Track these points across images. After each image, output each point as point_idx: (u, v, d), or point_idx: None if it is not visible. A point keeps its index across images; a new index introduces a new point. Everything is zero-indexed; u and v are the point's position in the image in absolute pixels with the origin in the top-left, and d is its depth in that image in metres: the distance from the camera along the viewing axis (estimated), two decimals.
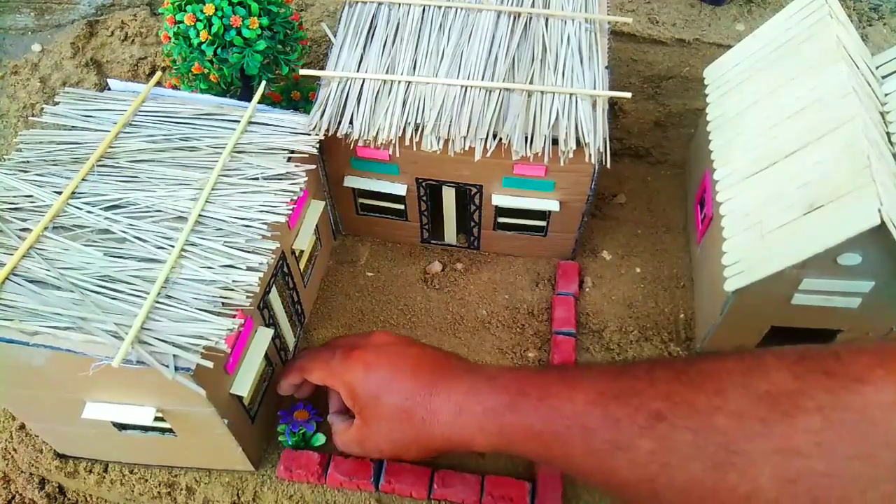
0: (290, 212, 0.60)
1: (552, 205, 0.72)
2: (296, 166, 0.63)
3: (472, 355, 0.72)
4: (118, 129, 0.64)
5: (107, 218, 0.57)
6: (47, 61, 1.05)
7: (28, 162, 0.62)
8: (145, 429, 0.59)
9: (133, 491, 0.64)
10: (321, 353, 0.58)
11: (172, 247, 0.55)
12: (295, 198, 0.61)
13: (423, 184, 0.73)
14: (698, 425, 0.37)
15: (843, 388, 0.35)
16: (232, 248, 0.55)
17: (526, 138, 0.65)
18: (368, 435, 0.54)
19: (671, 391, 0.39)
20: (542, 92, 0.67)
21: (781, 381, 0.37)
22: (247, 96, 0.77)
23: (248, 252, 0.55)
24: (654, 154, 0.93)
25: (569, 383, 0.45)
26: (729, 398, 0.38)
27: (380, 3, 0.75)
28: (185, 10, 0.70)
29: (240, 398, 0.58)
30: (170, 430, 0.58)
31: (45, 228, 0.56)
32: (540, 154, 0.65)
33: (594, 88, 0.68)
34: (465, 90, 0.67)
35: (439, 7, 0.74)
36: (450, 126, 0.66)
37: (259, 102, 0.68)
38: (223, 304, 0.52)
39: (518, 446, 0.47)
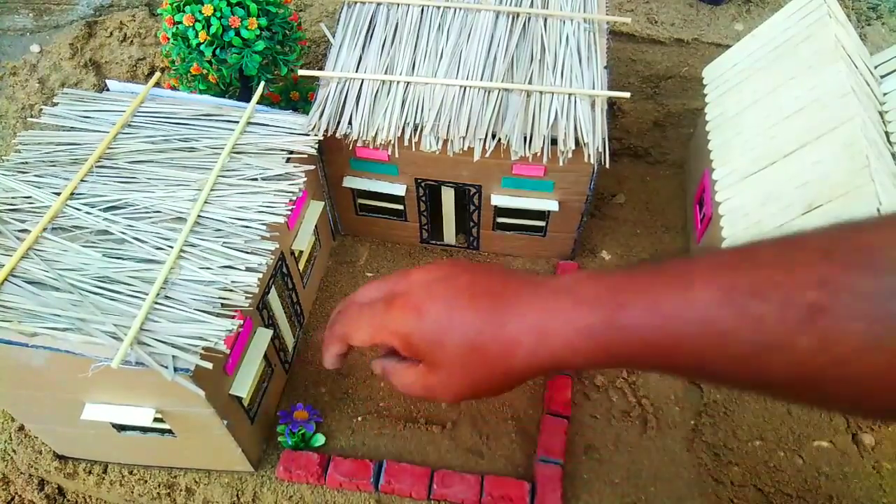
0: (289, 212, 0.60)
1: (551, 205, 0.72)
2: (295, 167, 0.63)
3: None
4: (117, 129, 0.64)
5: (105, 219, 0.57)
6: (46, 62, 1.05)
7: (27, 163, 0.62)
8: (145, 430, 0.59)
9: (133, 492, 0.64)
10: (358, 311, 0.49)
11: (171, 248, 0.55)
12: (294, 198, 0.61)
13: (423, 184, 0.73)
14: (872, 313, 0.30)
15: None
16: (231, 248, 0.55)
17: (525, 138, 0.65)
18: (438, 382, 0.45)
19: (828, 274, 0.32)
20: (540, 92, 0.67)
21: None
22: (245, 97, 0.77)
23: (247, 253, 0.55)
24: (654, 154, 0.93)
25: (679, 282, 0.36)
26: None
27: (378, 4, 0.75)
28: (183, 11, 0.70)
29: (239, 399, 0.58)
30: (169, 431, 0.58)
31: (44, 229, 0.56)
32: (539, 154, 0.65)
33: (593, 88, 0.68)
34: (464, 90, 0.67)
35: (438, 7, 0.74)
36: (449, 126, 0.66)
37: (258, 103, 0.68)
38: (222, 304, 0.52)
39: (626, 361, 0.40)
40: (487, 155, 0.65)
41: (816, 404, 0.38)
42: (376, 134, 0.66)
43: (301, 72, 0.71)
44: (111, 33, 1.08)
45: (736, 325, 0.34)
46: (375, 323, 0.47)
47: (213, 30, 0.70)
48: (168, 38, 0.73)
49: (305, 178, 0.63)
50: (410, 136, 0.66)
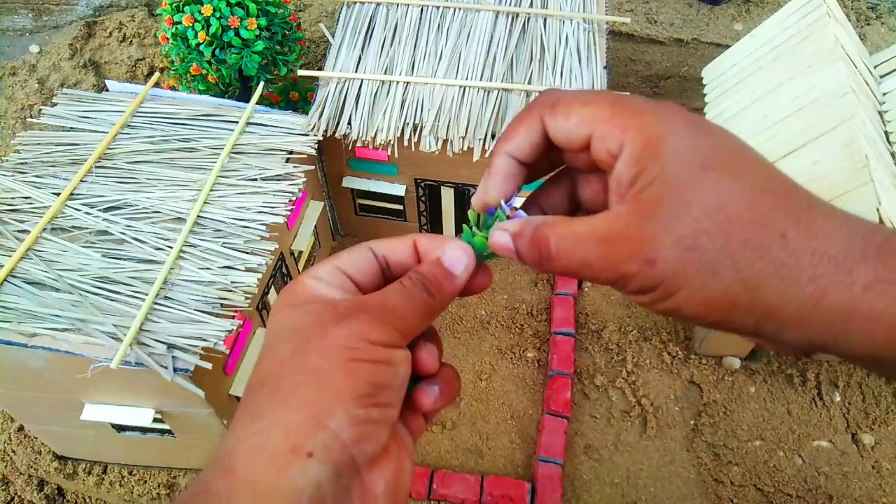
0: (288, 212, 0.60)
1: None
2: (294, 167, 0.63)
3: (471, 356, 0.72)
4: (116, 130, 0.64)
5: (105, 219, 0.57)
6: (45, 62, 1.05)
7: (26, 163, 0.61)
8: (144, 430, 0.59)
9: (132, 492, 0.64)
10: (592, 95, 0.28)
11: (171, 248, 0.55)
12: (293, 198, 0.61)
13: (422, 184, 0.73)
14: None
15: None
16: (230, 249, 0.55)
17: None
18: (653, 245, 0.24)
19: None
20: (540, 92, 0.67)
21: None
22: (245, 97, 0.77)
23: (247, 253, 0.55)
24: None
25: None
26: None
27: (378, 4, 0.75)
28: (183, 11, 0.70)
29: (239, 399, 0.58)
30: (169, 432, 0.58)
31: (44, 230, 0.56)
32: None
33: (593, 88, 0.68)
34: (464, 90, 0.67)
35: (437, 7, 0.74)
36: (448, 126, 0.66)
37: (257, 103, 0.68)
38: (222, 305, 0.52)
39: None
40: (487, 155, 0.65)
41: None
42: (376, 134, 0.66)
43: (300, 72, 0.71)
44: (110, 33, 1.08)
45: None
46: (621, 106, 0.27)
47: (212, 30, 0.70)
48: (167, 39, 0.73)
49: (305, 179, 0.63)
50: (410, 136, 0.66)
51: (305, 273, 0.30)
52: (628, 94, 0.29)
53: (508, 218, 0.29)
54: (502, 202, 0.30)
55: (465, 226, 0.31)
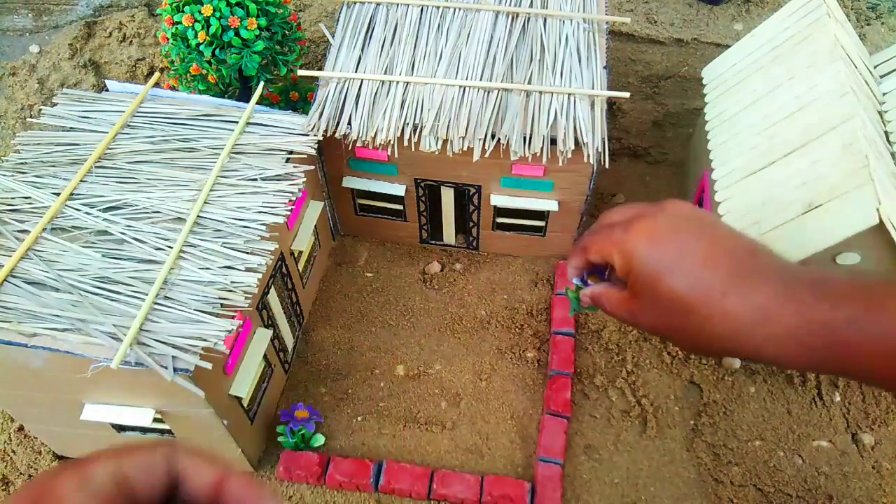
0: (288, 213, 0.60)
1: (551, 205, 0.72)
2: (294, 167, 0.63)
3: (471, 356, 0.72)
4: (116, 130, 0.64)
5: (105, 219, 0.57)
6: (45, 62, 1.05)
7: (26, 163, 0.62)
8: (144, 430, 0.59)
9: None
10: (604, 227, 0.47)
11: (171, 248, 0.55)
12: (293, 198, 0.61)
13: (422, 184, 0.73)
14: None
15: None
16: (230, 249, 0.55)
17: (524, 138, 0.65)
18: (638, 311, 0.44)
19: None
20: (540, 92, 0.67)
21: None
22: (245, 97, 0.77)
23: (247, 253, 0.55)
24: (653, 154, 0.93)
25: None
26: None
27: (378, 4, 0.75)
28: (183, 11, 0.70)
29: (239, 399, 0.58)
30: (169, 432, 0.58)
31: (44, 230, 0.56)
32: (538, 154, 0.65)
33: (592, 88, 0.68)
34: (464, 90, 0.67)
35: (437, 7, 0.74)
36: (448, 126, 0.66)
37: (257, 103, 0.68)
38: (222, 305, 0.52)
39: (858, 367, 0.38)
40: (487, 155, 0.65)
41: None
42: (376, 134, 0.66)
43: (300, 72, 0.71)
44: (110, 33, 1.08)
45: None
46: (613, 238, 0.45)
47: (212, 30, 0.70)
48: (167, 39, 0.73)
49: (305, 179, 0.63)
50: (410, 136, 0.66)
51: (67, 472, 0.23)
52: (616, 218, 0.47)
53: (587, 284, 0.50)
54: (575, 280, 0.50)
55: (567, 289, 0.53)
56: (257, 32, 0.72)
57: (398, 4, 0.75)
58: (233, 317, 0.52)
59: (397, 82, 0.68)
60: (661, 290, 0.42)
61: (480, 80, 0.68)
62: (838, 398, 0.69)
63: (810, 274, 0.40)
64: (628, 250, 0.44)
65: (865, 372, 0.38)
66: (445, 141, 0.66)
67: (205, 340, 0.49)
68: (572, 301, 0.52)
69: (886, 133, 0.64)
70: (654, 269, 0.42)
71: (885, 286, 0.37)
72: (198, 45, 0.71)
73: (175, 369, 0.48)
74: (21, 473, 0.67)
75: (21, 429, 0.68)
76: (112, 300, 0.51)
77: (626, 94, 0.69)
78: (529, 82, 0.68)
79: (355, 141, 0.67)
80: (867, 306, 0.36)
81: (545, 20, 0.73)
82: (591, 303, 0.50)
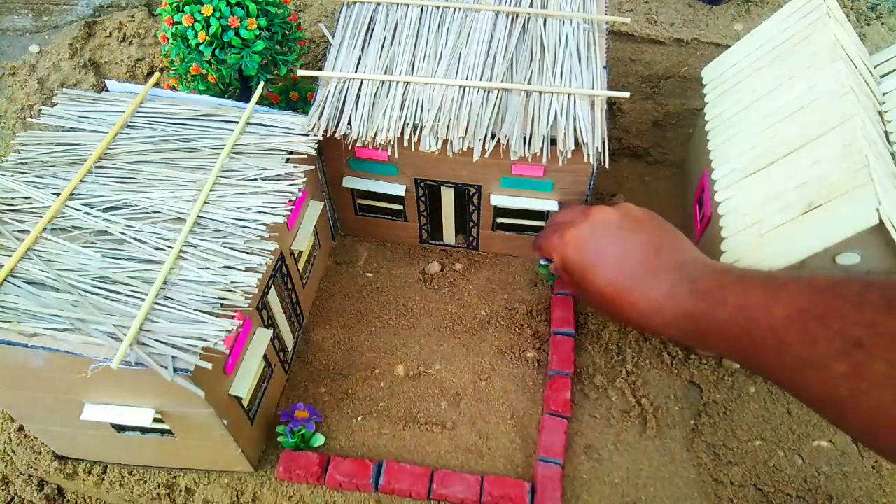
0: (288, 213, 0.60)
1: (551, 205, 0.72)
2: (294, 167, 0.63)
3: (471, 356, 0.72)
4: (116, 130, 0.64)
5: (105, 219, 0.57)
6: (45, 62, 1.05)
7: (26, 163, 0.62)
8: (144, 430, 0.59)
9: (132, 492, 0.64)
10: (549, 229, 0.62)
11: (171, 248, 0.55)
12: (293, 198, 0.61)
13: (422, 184, 0.73)
14: (894, 357, 0.37)
15: None
16: (230, 249, 0.55)
17: (524, 138, 0.65)
18: (579, 294, 0.62)
19: (877, 320, 0.38)
20: (540, 92, 0.67)
21: None
22: (245, 97, 0.77)
23: (247, 253, 0.55)
24: (653, 154, 0.93)
25: (770, 294, 0.44)
26: None
27: (378, 4, 0.75)
28: (183, 11, 0.70)
29: (239, 399, 0.58)
30: (169, 432, 0.58)
31: (44, 230, 0.56)
32: (538, 154, 0.65)
33: (592, 88, 0.68)
34: (464, 90, 0.67)
35: (437, 7, 0.74)
36: (448, 126, 0.66)
37: (257, 103, 0.68)
38: (222, 305, 0.52)
39: (710, 345, 0.49)
40: (487, 155, 0.65)
41: (839, 425, 0.44)
42: (376, 134, 0.66)
43: (300, 72, 0.71)
44: (110, 33, 1.08)
45: (795, 340, 0.41)
46: (552, 243, 0.60)
47: (212, 30, 0.70)
48: (167, 39, 0.73)
49: (305, 179, 0.63)
50: (410, 136, 0.66)
51: None
52: (560, 219, 0.62)
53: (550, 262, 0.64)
54: (542, 260, 0.66)
55: (539, 265, 0.69)
56: (257, 32, 0.72)
57: (398, 4, 0.75)
58: (233, 317, 0.52)
59: (397, 82, 0.68)
60: (587, 285, 0.56)
61: (480, 80, 0.68)
62: None
63: (693, 270, 0.51)
64: (560, 255, 0.59)
65: (718, 351, 0.53)
66: (445, 141, 0.66)
67: (205, 340, 0.49)
68: (545, 275, 0.75)
69: (886, 133, 0.64)
70: (579, 270, 0.57)
71: (734, 283, 0.48)
72: (198, 45, 0.71)
73: (175, 369, 0.48)
74: (21, 473, 0.67)
75: (21, 429, 0.68)
76: (112, 300, 0.51)
77: (626, 94, 0.69)
78: (529, 82, 0.68)
79: (355, 141, 0.67)
80: (715, 301, 0.47)
81: (545, 20, 0.73)
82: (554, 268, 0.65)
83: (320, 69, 0.71)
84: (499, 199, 0.72)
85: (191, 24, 0.70)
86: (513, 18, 0.73)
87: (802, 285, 0.44)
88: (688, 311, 0.49)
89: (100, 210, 0.58)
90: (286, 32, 0.76)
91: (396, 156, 0.68)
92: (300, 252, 0.70)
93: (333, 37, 0.74)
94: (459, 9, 0.74)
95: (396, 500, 0.62)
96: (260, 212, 0.58)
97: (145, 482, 0.65)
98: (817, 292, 0.42)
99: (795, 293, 0.43)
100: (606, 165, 0.65)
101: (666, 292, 0.51)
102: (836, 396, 0.40)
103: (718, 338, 0.47)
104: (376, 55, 0.71)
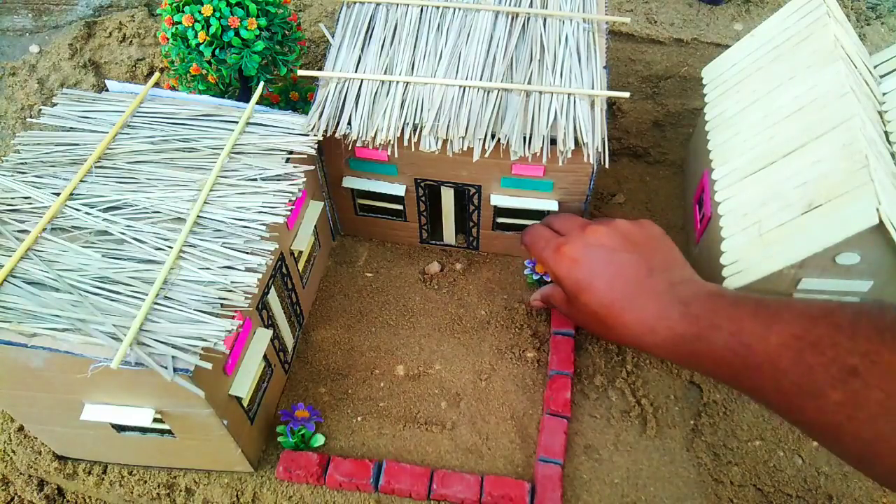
0: (288, 213, 0.60)
1: (551, 205, 0.72)
2: (294, 167, 0.63)
3: (471, 356, 0.72)
4: (116, 130, 0.64)
5: (105, 219, 0.57)
6: (45, 62, 1.05)
7: (26, 163, 0.62)
8: (144, 430, 0.59)
9: (132, 492, 0.64)
10: (545, 238, 0.63)
11: (171, 248, 0.55)
12: (293, 198, 0.61)
13: (422, 184, 0.73)
14: (892, 388, 0.37)
15: None
16: (230, 249, 0.55)
17: (524, 138, 0.65)
18: (572, 311, 0.60)
19: (871, 349, 0.39)
20: (540, 92, 0.67)
21: None
22: (245, 97, 0.77)
23: (247, 253, 0.55)
24: (653, 154, 0.93)
25: (764, 321, 0.45)
26: None
27: (378, 4, 0.75)
28: (183, 11, 0.70)
29: (238, 399, 0.58)
30: (169, 432, 0.58)
31: (44, 230, 0.56)
32: (538, 154, 0.65)
33: (592, 88, 0.68)
34: (464, 90, 0.67)
35: (437, 7, 0.74)
36: (448, 126, 0.66)
37: (257, 103, 0.68)
38: (222, 305, 0.52)
39: (704, 370, 0.50)
40: (487, 155, 0.65)
41: (834, 451, 0.45)
42: (376, 134, 0.66)
43: (300, 72, 0.71)
44: (110, 34, 1.08)
45: (790, 367, 0.42)
46: (546, 255, 0.61)
47: (212, 30, 0.70)
48: (167, 39, 0.73)
49: (305, 179, 0.63)
50: (410, 136, 0.66)
51: None
52: (557, 226, 0.65)
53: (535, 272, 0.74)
54: (528, 262, 0.72)
55: (527, 275, 0.75)
56: (257, 32, 0.72)
57: (398, 4, 0.75)
58: (233, 317, 0.52)
59: (397, 82, 0.68)
60: (580, 304, 0.57)
61: (480, 80, 0.68)
62: None
63: (686, 293, 0.52)
64: (554, 270, 0.59)
65: (712, 375, 0.50)
66: (445, 141, 0.66)
67: (205, 340, 0.49)
68: (531, 285, 0.77)
69: (886, 133, 0.64)
70: (574, 288, 0.57)
71: (727, 307, 0.48)
72: (198, 45, 0.71)
73: (175, 369, 0.48)
74: (21, 473, 0.67)
75: (21, 429, 0.68)
76: (112, 300, 0.51)
77: (626, 94, 0.69)
78: (529, 82, 0.68)
79: (355, 141, 0.67)
80: (709, 325, 0.48)
81: (545, 20, 0.73)
82: (540, 301, 0.70)
83: (320, 69, 0.71)
84: (499, 199, 0.73)
85: (191, 24, 0.70)
86: (513, 18, 0.73)
87: (796, 312, 0.44)
88: (680, 334, 0.49)
89: (100, 210, 0.58)
90: (286, 32, 0.76)
91: (396, 156, 0.68)
92: (300, 252, 0.70)
93: (333, 37, 0.74)
94: (459, 9, 0.74)
95: (396, 500, 0.62)
96: (260, 212, 0.58)
97: (145, 482, 0.65)
98: (811, 320, 0.43)
99: (790, 320, 0.44)
100: (606, 165, 0.65)
101: (657, 314, 0.51)
102: (832, 423, 0.40)
103: (712, 362, 0.48)
104: (376, 55, 0.71)
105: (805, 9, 0.71)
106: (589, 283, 0.56)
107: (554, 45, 0.71)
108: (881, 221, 0.52)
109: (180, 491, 0.64)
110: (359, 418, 0.68)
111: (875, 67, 0.70)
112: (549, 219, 0.67)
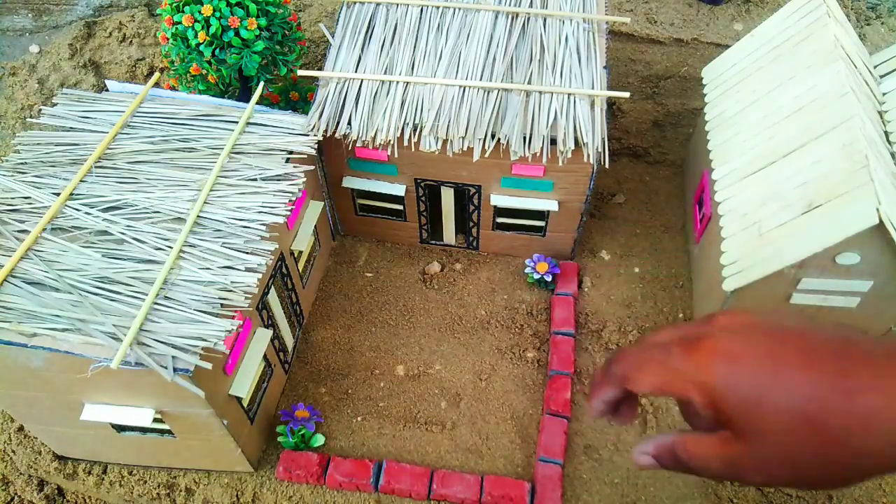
0: (288, 213, 0.60)
1: (551, 205, 0.72)
2: (294, 167, 0.63)
3: (471, 356, 0.72)
4: (116, 130, 0.64)
5: (105, 219, 0.57)
6: (45, 62, 1.05)
7: (26, 163, 0.61)
8: (144, 430, 0.59)
9: (132, 492, 0.64)
10: (647, 353, 0.39)
11: (171, 248, 0.55)
12: (293, 199, 0.61)
13: (422, 184, 0.73)
14: None
15: None
16: (230, 249, 0.55)
17: (524, 138, 0.65)
18: (748, 454, 0.35)
19: None
20: (540, 92, 0.67)
21: None
22: (245, 97, 0.77)
23: (247, 253, 0.55)
24: (653, 153, 0.93)
25: None
26: None
27: (378, 4, 0.75)
28: (183, 11, 0.70)
29: (238, 399, 0.58)
30: (168, 432, 0.58)
31: (44, 230, 0.56)
32: (538, 154, 0.65)
33: (592, 88, 0.68)
34: (464, 90, 0.67)
35: (437, 7, 0.74)
36: (448, 126, 0.66)
37: (257, 103, 0.68)
38: (222, 305, 0.52)
39: None
40: (487, 155, 0.65)
41: None
42: (376, 134, 0.66)
43: (300, 72, 0.71)
44: (110, 34, 1.08)
45: None
46: (670, 367, 0.37)
47: (212, 30, 0.70)
48: (167, 39, 0.73)
49: (305, 179, 0.63)
50: (410, 136, 0.66)
51: None
52: (660, 339, 0.39)
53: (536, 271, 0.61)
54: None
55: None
56: (257, 32, 0.72)
57: (398, 4, 0.75)
58: (233, 317, 0.52)
59: (397, 82, 0.68)
60: (769, 415, 0.34)
61: (480, 80, 0.68)
62: None
63: None
64: (706, 381, 0.35)
65: None
66: (445, 141, 0.66)
67: (205, 340, 0.49)
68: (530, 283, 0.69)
69: (886, 133, 0.64)
70: (749, 393, 0.34)
71: None
72: (198, 45, 0.71)
73: (175, 369, 0.48)
74: (21, 473, 0.67)
75: (21, 429, 0.68)
76: (112, 300, 0.51)
77: (626, 94, 0.69)
78: (529, 82, 0.68)
79: (355, 141, 0.67)
80: None
81: (545, 20, 0.73)
82: (654, 461, 0.39)
83: (320, 69, 0.70)
84: (499, 199, 0.72)
85: (191, 24, 0.70)
86: (513, 18, 0.73)
87: None
88: None
89: (100, 210, 0.58)
90: (286, 32, 0.76)
91: (396, 156, 0.68)
92: (300, 252, 0.70)
93: (333, 37, 0.74)
94: (459, 9, 0.74)
95: (396, 500, 0.62)
96: (260, 212, 0.58)
97: (145, 482, 0.65)
98: None
99: None
100: (606, 165, 0.65)
101: (887, 400, 0.32)
102: None
103: None
104: (376, 55, 0.71)
105: (805, 9, 0.71)
106: (775, 373, 0.34)
107: (554, 45, 0.71)
108: (881, 221, 0.52)
109: (180, 491, 0.64)
110: (359, 418, 0.68)
111: (875, 67, 0.70)
112: (634, 346, 0.43)
